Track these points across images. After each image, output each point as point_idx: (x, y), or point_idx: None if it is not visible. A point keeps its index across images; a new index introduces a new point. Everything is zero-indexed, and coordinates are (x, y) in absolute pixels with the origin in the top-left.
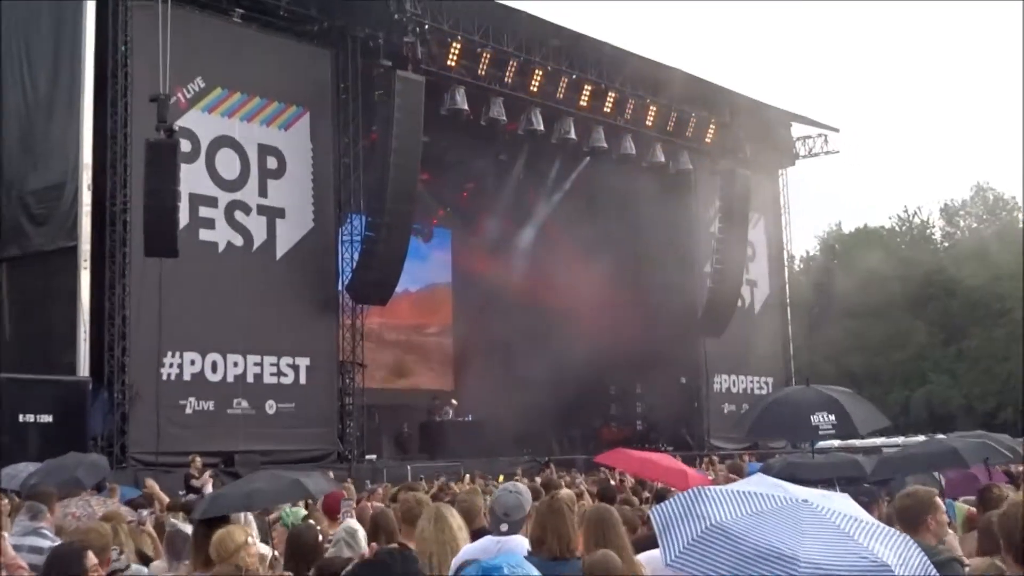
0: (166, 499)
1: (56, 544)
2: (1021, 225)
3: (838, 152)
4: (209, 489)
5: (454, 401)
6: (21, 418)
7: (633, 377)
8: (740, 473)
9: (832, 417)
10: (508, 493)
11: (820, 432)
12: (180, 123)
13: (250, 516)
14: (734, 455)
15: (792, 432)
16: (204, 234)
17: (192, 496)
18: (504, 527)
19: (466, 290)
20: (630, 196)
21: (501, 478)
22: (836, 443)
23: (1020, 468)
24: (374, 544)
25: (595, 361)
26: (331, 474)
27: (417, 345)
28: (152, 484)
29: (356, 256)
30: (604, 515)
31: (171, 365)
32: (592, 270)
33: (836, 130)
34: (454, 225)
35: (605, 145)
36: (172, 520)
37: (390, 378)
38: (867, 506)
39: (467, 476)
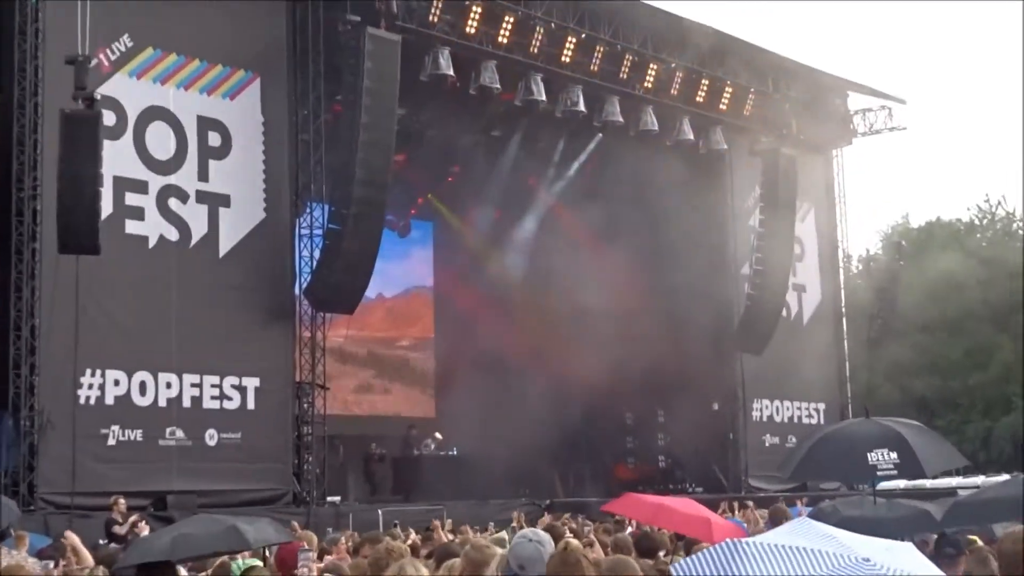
0: (89, 558)
1: None
2: None
3: (905, 128)
4: (144, 534)
5: (437, 434)
6: None
7: (654, 402)
8: (783, 521)
9: (894, 455)
10: (527, 542)
11: (879, 472)
12: (102, 91)
13: (182, 571)
14: (777, 498)
15: (845, 471)
16: (132, 226)
17: (115, 546)
18: None
19: (451, 295)
20: (651, 181)
21: (492, 526)
22: (902, 483)
23: None
24: None
25: (608, 383)
26: (294, 524)
27: (391, 362)
28: (72, 538)
29: (317, 254)
30: (623, 570)
31: (90, 386)
32: (605, 272)
33: (903, 102)
34: (436, 216)
35: (621, 119)
36: None
37: (358, 403)
38: (952, 560)
39: (439, 524)
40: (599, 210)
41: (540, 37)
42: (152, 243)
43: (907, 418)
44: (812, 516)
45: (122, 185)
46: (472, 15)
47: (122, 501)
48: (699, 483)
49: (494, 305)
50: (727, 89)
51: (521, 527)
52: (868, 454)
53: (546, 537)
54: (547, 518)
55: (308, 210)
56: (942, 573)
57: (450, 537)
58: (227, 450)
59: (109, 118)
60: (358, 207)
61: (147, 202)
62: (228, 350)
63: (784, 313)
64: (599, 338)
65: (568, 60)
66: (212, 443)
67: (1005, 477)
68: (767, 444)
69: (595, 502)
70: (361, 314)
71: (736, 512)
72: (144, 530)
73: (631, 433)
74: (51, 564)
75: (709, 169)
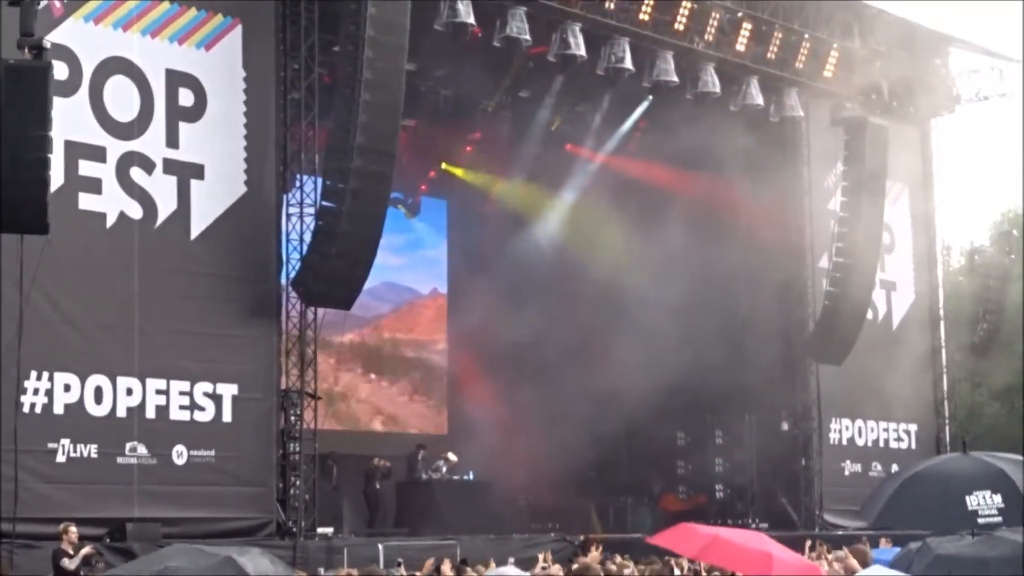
0: None
1: None
2: None
3: (1018, 94)
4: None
5: (451, 455)
6: None
7: (711, 420)
8: (863, 564)
9: (997, 497)
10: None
11: (980, 519)
12: (52, 38)
13: None
14: (858, 537)
15: (939, 518)
16: (86, 201)
17: None
18: None
19: (468, 287)
20: (711, 153)
21: (512, 562)
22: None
23: None
24: None
25: (656, 394)
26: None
27: (396, 367)
28: None
29: (308, 237)
30: None
31: (36, 392)
32: (654, 260)
33: (1016, 61)
34: (452, 193)
35: (675, 79)
36: None
37: (356, 416)
38: None
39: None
40: (648, 186)
41: None
42: (111, 221)
43: (1017, 445)
44: (899, 559)
45: (75, 151)
46: None
47: (73, 529)
48: (764, 518)
49: (520, 299)
50: (804, 44)
51: (548, 567)
52: (967, 497)
53: None
54: (581, 558)
55: (298, 184)
56: None
57: None
58: (198, 470)
59: (61, 71)
60: (358, 181)
61: (105, 172)
62: (201, 351)
63: (869, 315)
64: (646, 338)
65: (612, 7)
66: (180, 462)
67: None
68: (846, 472)
69: (638, 539)
70: (360, 309)
71: (806, 553)
72: (99, 566)
73: (683, 457)
74: None
75: (781, 140)
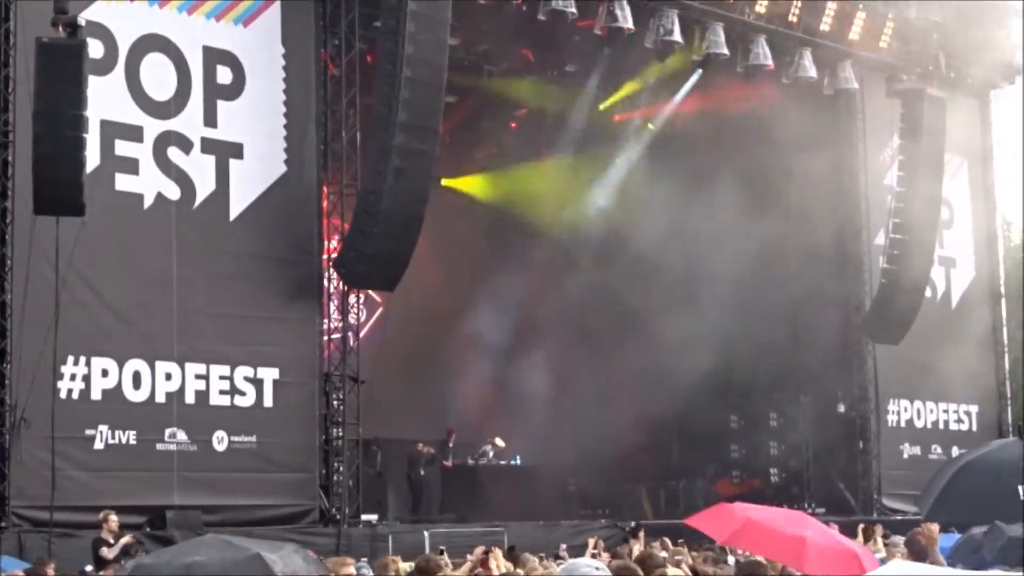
0: None
1: None
2: None
3: None
4: (128, 561)
5: (498, 440)
6: None
7: (765, 403)
8: (925, 552)
9: None
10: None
11: None
12: (87, 16)
13: None
14: (918, 522)
15: (992, 510)
16: (123, 182)
17: (104, 573)
18: None
19: (516, 263)
20: (762, 127)
21: (564, 549)
22: None
23: None
24: None
25: (708, 376)
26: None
27: (442, 348)
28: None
29: (350, 216)
30: None
31: (72, 377)
32: (702, 236)
33: None
34: (497, 168)
35: (726, 51)
36: None
37: (401, 400)
38: None
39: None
40: (698, 159)
41: None
42: (148, 202)
43: None
44: (962, 544)
45: (111, 131)
46: None
47: (113, 518)
48: (820, 502)
49: (566, 278)
50: (859, 14)
51: (599, 555)
52: (1020, 487)
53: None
54: (634, 544)
55: (339, 163)
56: None
57: (508, 568)
58: (239, 456)
59: (96, 49)
60: (400, 159)
61: (142, 152)
62: (241, 334)
63: (928, 293)
64: (697, 316)
65: None
66: (221, 448)
67: None
68: (905, 456)
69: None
70: (406, 286)
71: (868, 537)
72: (139, 555)
73: (736, 439)
74: None
75: (836, 113)
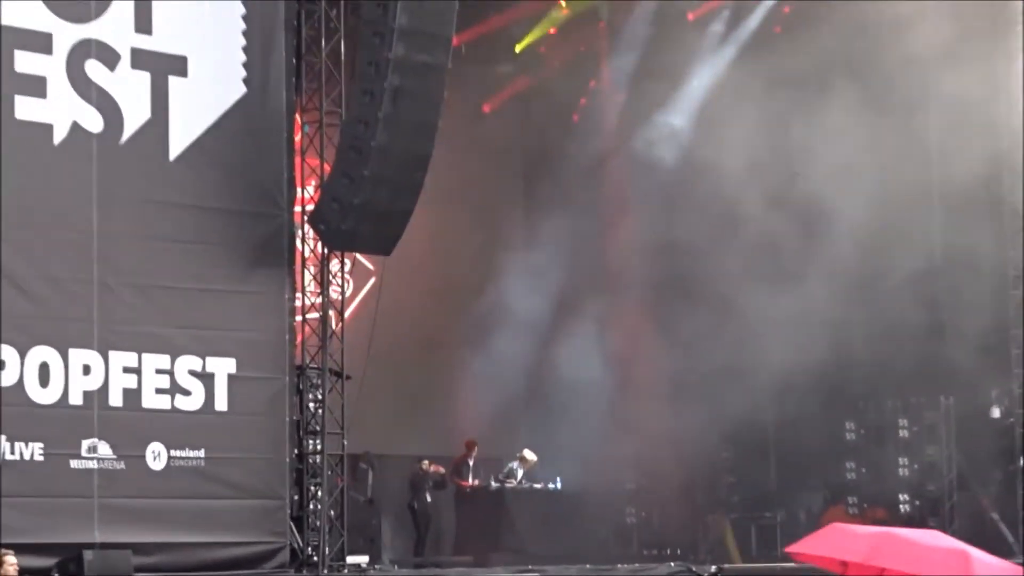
0: None
1: None
2: None
3: None
4: None
5: (527, 452)
6: None
7: (894, 406)
8: None
9: None
10: None
11: None
12: None
13: None
14: None
15: None
16: (26, 108)
17: None
18: None
19: (555, 216)
20: (892, 32)
21: None
22: None
23: None
24: None
25: (816, 371)
26: None
27: (456, 332)
28: None
29: (332, 155)
30: None
31: None
32: (808, 177)
33: None
34: (531, 89)
35: None
36: None
37: (400, 402)
38: None
39: None
40: (804, 71)
41: None
42: (60, 135)
43: None
44: None
45: (9, 40)
46: None
47: (11, 560)
48: (967, 538)
49: (622, 224)
50: None
51: None
52: None
53: None
54: None
55: (317, 83)
56: None
57: None
58: (182, 478)
59: None
60: (400, 77)
61: (51, 68)
62: (184, 313)
63: None
64: (802, 285)
65: None
66: (158, 466)
67: None
68: None
69: (793, 570)
70: (405, 249)
71: None
72: None
73: (854, 455)
74: None
75: (991, 23)
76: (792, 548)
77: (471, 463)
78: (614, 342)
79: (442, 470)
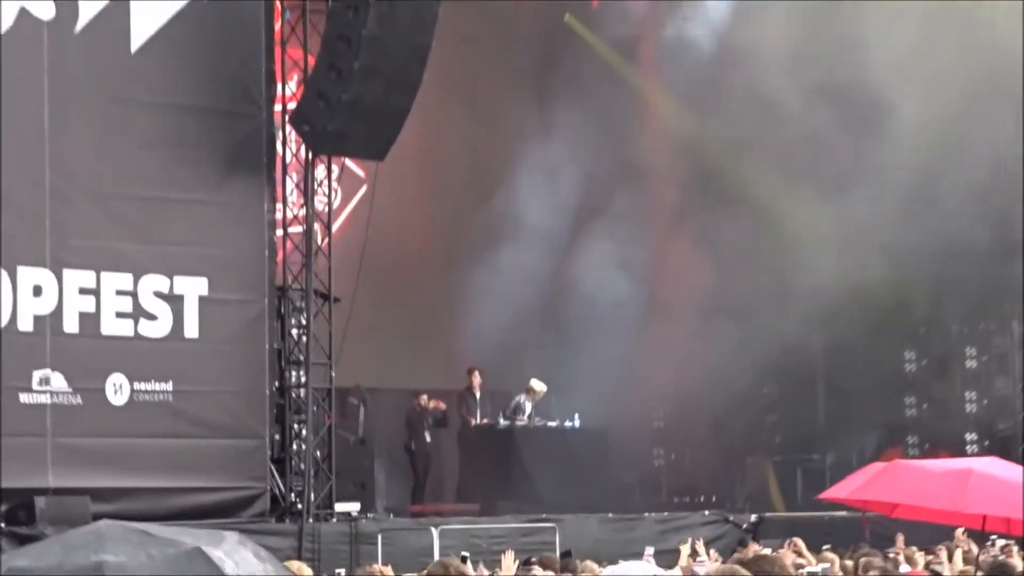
0: None
1: None
2: None
3: None
4: None
5: (535, 383)
6: None
7: (959, 333)
8: None
9: None
10: None
11: None
12: None
13: None
14: None
15: None
16: None
17: None
18: None
19: (574, 105)
20: None
21: (650, 555)
22: None
23: None
24: None
25: (870, 293)
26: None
27: (458, 248)
28: None
29: (317, 45)
30: None
31: None
32: (864, 60)
33: None
34: None
35: None
36: None
37: (396, 328)
38: None
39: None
40: None
41: None
42: (6, 24)
43: None
44: None
45: None
46: None
47: None
48: None
49: (646, 116)
50: None
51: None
52: None
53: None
54: (752, 548)
55: None
56: None
57: None
58: (147, 414)
59: None
60: None
61: None
62: (149, 227)
63: None
64: (854, 193)
65: None
66: (119, 400)
67: None
68: None
69: (844, 519)
70: (400, 153)
71: None
72: None
73: (915, 390)
74: None
75: None
76: (824, 494)
77: (477, 396)
78: (641, 255)
79: (443, 406)
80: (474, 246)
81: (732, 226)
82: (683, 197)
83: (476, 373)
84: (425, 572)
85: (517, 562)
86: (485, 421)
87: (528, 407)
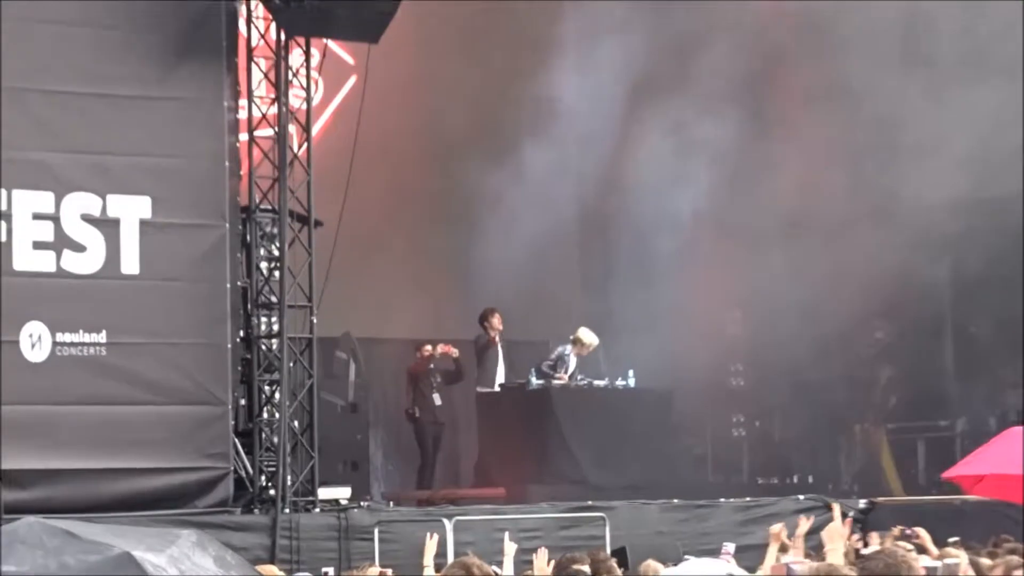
0: None
1: None
2: None
3: None
4: None
5: (584, 333)
6: None
7: None
8: None
9: None
10: None
11: None
12: None
13: None
14: None
15: None
16: None
17: None
18: None
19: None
20: None
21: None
22: None
23: None
24: None
25: (1009, 205)
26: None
27: (477, 152)
28: None
29: None
30: None
31: None
32: None
33: None
34: None
35: None
36: None
37: (395, 260)
38: None
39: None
40: None
41: None
42: None
43: None
44: None
45: None
46: None
47: None
48: None
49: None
50: None
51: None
52: None
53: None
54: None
55: None
56: None
57: None
58: (75, 373)
59: None
60: None
61: None
62: (76, 129)
63: None
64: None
65: None
66: (38, 356)
67: None
68: None
69: (980, 504)
70: (396, 35)
71: None
72: None
73: None
74: None
75: None
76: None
77: (495, 339)
78: (710, 152)
79: (455, 352)
80: (497, 150)
81: (822, 113)
82: (762, 80)
83: (496, 317)
84: (441, 574)
85: (552, 563)
86: (509, 381)
87: (573, 363)
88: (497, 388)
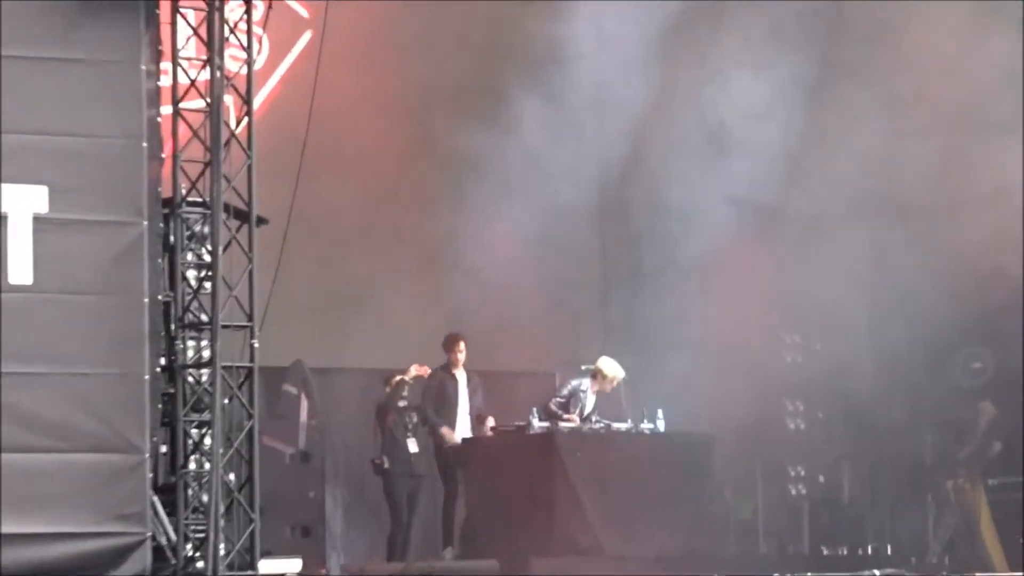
0: None
1: None
2: None
3: None
4: None
5: (606, 364)
6: None
7: None
8: None
9: None
10: None
11: None
12: None
13: None
14: None
15: None
16: None
17: None
18: None
19: None
20: None
21: None
22: None
23: None
24: None
25: None
26: None
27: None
28: None
29: None
30: None
31: None
32: None
33: None
34: None
35: None
36: None
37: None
38: None
39: None
40: None
41: None
42: None
43: None
44: None
45: None
46: None
47: None
48: None
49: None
50: None
51: None
52: None
53: None
54: None
55: None
56: None
57: None
58: None
59: None
60: None
61: None
62: None
63: None
64: None
65: None
66: None
67: None
68: None
69: None
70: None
71: None
72: None
73: None
74: None
75: None
76: None
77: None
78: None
79: (409, 449)
80: (483, 123)
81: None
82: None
83: (461, 343)
84: None
85: None
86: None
87: (591, 401)
88: (492, 431)
